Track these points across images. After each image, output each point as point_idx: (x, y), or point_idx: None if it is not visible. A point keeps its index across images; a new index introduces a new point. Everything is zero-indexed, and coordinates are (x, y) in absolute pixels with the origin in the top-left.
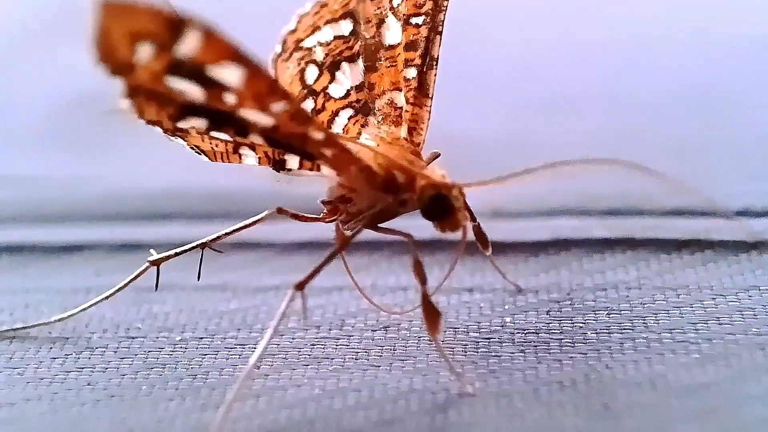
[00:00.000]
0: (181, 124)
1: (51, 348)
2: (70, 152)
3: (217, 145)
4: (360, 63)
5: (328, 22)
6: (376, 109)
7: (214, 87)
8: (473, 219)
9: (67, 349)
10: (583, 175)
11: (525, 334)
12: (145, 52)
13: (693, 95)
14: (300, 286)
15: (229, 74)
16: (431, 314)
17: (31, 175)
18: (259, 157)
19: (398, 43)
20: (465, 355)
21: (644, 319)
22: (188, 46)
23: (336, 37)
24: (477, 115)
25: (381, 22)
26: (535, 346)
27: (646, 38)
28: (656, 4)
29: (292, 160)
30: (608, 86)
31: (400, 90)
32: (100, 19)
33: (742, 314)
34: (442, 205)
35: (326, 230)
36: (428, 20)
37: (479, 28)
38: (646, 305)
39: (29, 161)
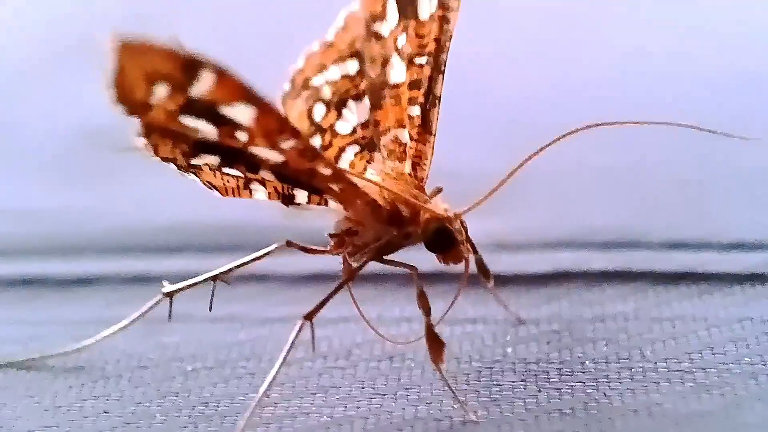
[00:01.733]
0: (195, 161)
1: (67, 377)
2: (81, 185)
3: (228, 181)
4: (366, 101)
5: (335, 61)
6: (381, 145)
7: (226, 125)
8: (475, 251)
9: (83, 378)
10: (583, 208)
11: (526, 363)
12: (160, 92)
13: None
14: (308, 317)
15: (241, 113)
16: (435, 344)
17: (42, 207)
18: (269, 192)
19: (402, 82)
20: (468, 384)
21: (641, 349)
22: (202, 86)
23: (343, 76)
24: (478, 150)
25: (386, 61)
26: (536, 376)
27: (645, 70)
28: (656, 36)
29: (301, 195)
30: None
31: (404, 127)
32: (117, 60)
33: (736, 344)
34: (444, 238)
35: (333, 262)
36: (431, 60)
37: (480, 65)
38: (643, 335)
39: (40, 194)
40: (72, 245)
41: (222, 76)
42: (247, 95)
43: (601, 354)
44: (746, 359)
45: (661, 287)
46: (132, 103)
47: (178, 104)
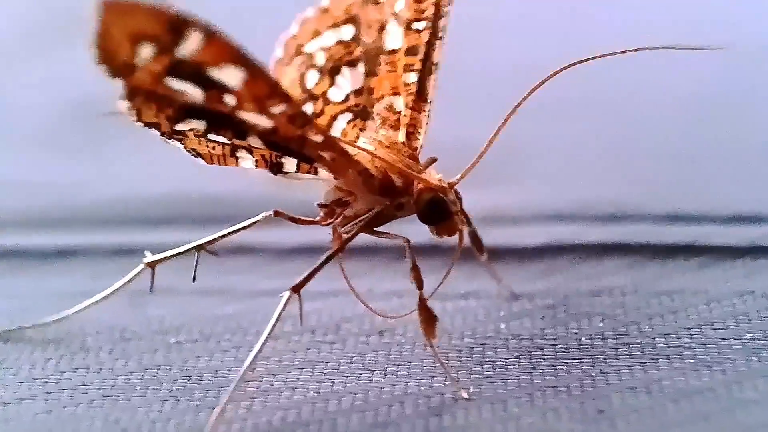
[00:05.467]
0: (180, 126)
1: (45, 349)
2: (67, 157)
3: (214, 148)
4: (360, 68)
5: (329, 27)
6: (375, 113)
7: (214, 88)
8: (469, 224)
9: (62, 350)
10: (579, 180)
11: (520, 339)
12: (146, 52)
13: (689, 100)
14: (296, 289)
15: (230, 76)
16: (427, 319)
17: (28, 179)
18: (256, 160)
19: (399, 48)
20: (460, 361)
21: (638, 324)
22: (189, 47)
23: (337, 42)
24: (474, 120)
25: (382, 27)
26: (530, 352)
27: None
28: (655, 10)
29: (290, 163)
30: (607, 91)
31: (400, 95)
32: (101, 20)
33: (737, 319)
34: (438, 209)
35: (323, 234)
36: (429, 26)
37: (478, 33)
38: (640, 310)
39: (25, 166)
40: (56, 217)
41: (211, 36)
42: (237, 57)
43: (598, 329)
44: (747, 334)
45: (659, 261)
46: (115, 63)
47: (163, 65)
